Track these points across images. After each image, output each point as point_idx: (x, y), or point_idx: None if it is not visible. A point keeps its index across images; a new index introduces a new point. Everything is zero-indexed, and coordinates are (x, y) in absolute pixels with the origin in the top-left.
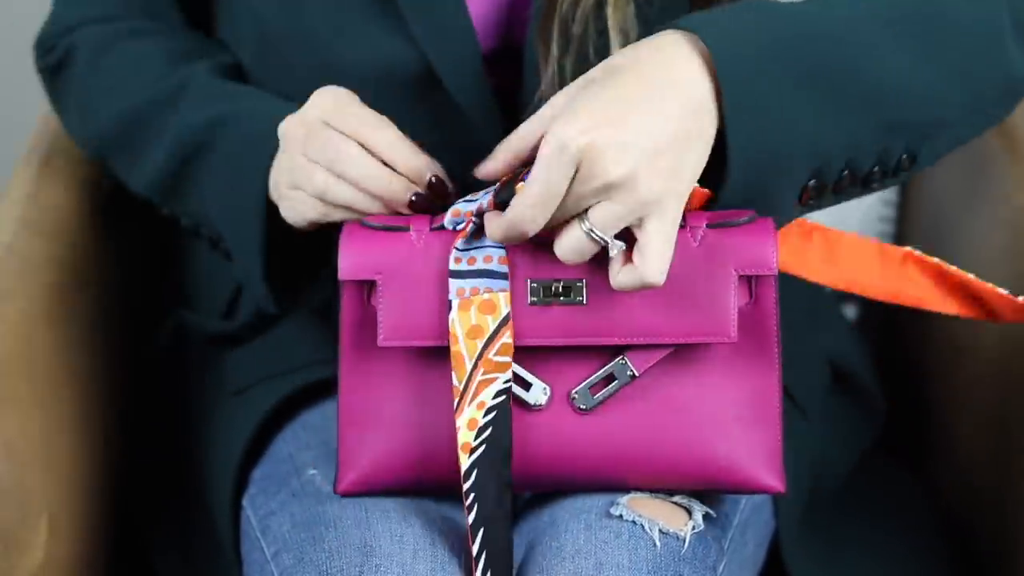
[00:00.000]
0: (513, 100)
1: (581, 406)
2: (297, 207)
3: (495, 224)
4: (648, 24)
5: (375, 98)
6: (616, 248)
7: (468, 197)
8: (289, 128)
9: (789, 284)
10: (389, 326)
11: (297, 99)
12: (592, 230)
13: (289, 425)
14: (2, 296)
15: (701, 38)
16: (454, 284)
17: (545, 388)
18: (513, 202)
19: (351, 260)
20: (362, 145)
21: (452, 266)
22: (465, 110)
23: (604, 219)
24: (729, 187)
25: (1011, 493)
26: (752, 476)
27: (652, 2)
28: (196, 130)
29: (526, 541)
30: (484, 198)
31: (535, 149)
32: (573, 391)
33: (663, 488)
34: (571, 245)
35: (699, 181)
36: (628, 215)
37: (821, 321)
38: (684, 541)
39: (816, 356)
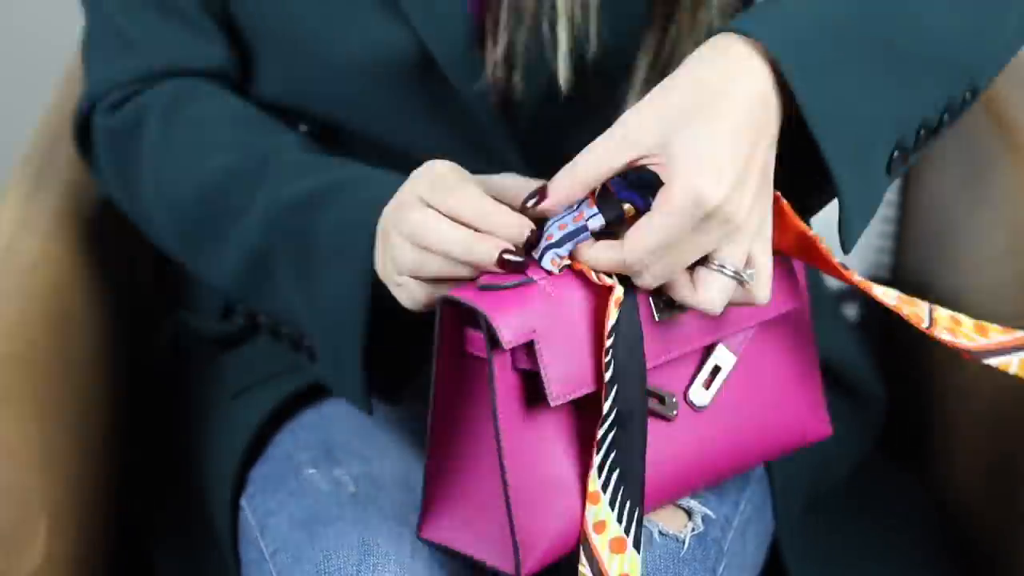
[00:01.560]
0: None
1: (699, 404)
2: (410, 290)
3: (605, 256)
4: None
5: (371, 86)
6: (749, 276)
7: (555, 232)
8: (386, 210)
9: None
10: (556, 382)
11: (300, 91)
12: (737, 272)
13: (287, 425)
14: (1, 296)
15: (753, 34)
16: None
17: (673, 396)
18: (631, 243)
19: (510, 326)
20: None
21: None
22: (461, 94)
23: (736, 257)
24: (841, 182)
25: (1011, 494)
26: (814, 427)
27: None
28: (289, 206)
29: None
30: (578, 234)
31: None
32: (688, 392)
33: (753, 467)
34: (720, 293)
35: (805, 187)
36: (749, 245)
37: (821, 322)
38: (684, 543)
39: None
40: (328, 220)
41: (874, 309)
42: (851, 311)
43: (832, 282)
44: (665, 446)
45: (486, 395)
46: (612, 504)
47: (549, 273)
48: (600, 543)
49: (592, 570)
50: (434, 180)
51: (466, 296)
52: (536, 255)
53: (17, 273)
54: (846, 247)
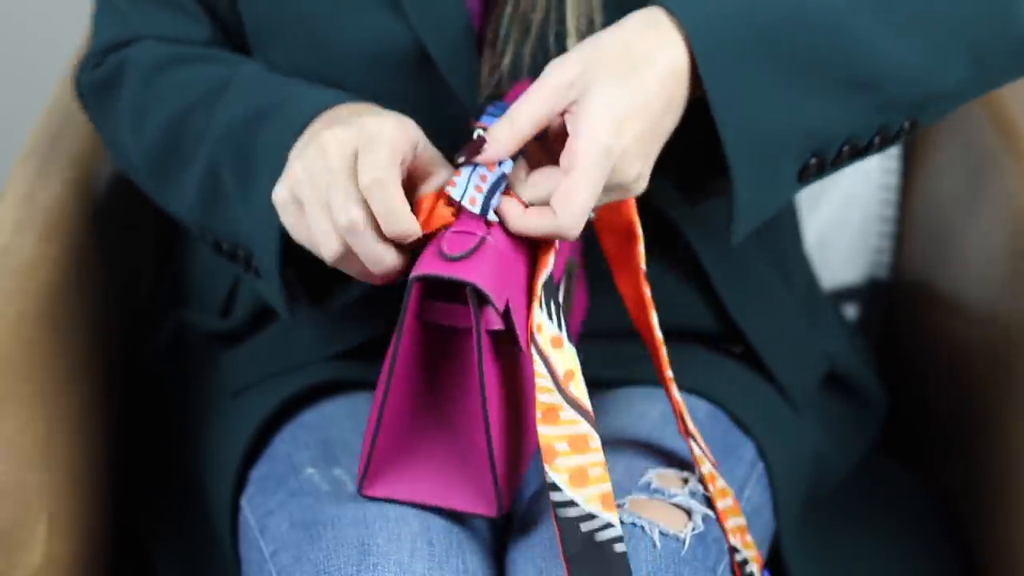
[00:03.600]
0: None
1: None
2: (289, 213)
3: (543, 224)
4: (611, 11)
5: (368, 77)
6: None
7: (480, 184)
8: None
9: (788, 286)
10: (522, 331)
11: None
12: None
13: (287, 425)
14: (1, 296)
15: (677, 15)
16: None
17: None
18: (563, 210)
19: (498, 295)
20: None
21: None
22: (456, 90)
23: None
24: (734, 172)
25: (1011, 494)
26: None
27: None
28: (238, 123)
29: (526, 540)
30: (501, 182)
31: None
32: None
33: None
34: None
35: (704, 173)
36: (608, 199)
37: (819, 324)
38: (684, 542)
39: (813, 359)
40: (266, 136)
41: (874, 309)
42: (851, 311)
43: (832, 283)
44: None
45: (454, 358)
46: (549, 315)
47: (488, 225)
48: (543, 341)
49: (545, 367)
50: (368, 140)
51: (444, 271)
52: (474, 209)
53: (16, 273)
54: (733, 237)
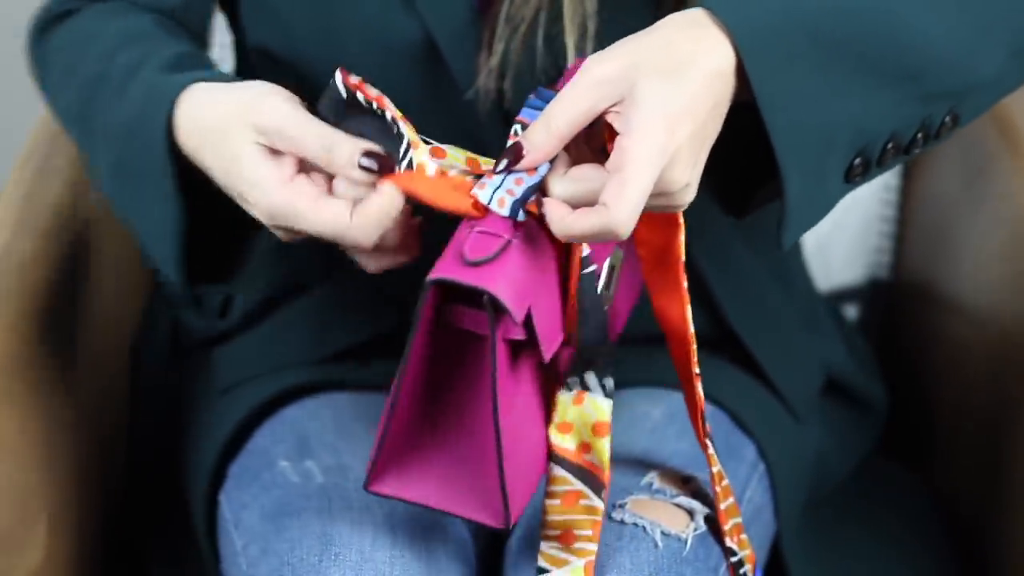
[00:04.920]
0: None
1: (605, 306)
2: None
3: (590, 224)
4: (608, 15)
5: (375, 66)
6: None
7: (513, 187)
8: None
9: (788, 287)
10: (546, 344)
11: (299, 64)
12: None
13: (268, 421)
14: (1, 296)
15: (720, 16)
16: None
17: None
18: (614, 202)
19: (517, 305)
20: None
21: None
22: (462, 83)
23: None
24: (786, 177)
25: (1011, 494)
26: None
27: None
28: (110, 132)
29: (526, 540)
30: (538, 185)
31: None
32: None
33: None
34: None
35: (748, 183)
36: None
37: (819, 326)
38: (686, 543)
39: (812, 361)
40: (139, 158)
41: (874, 310)
42: (851, 311)
43: (832, 283)
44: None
45: (469, 364)
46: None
47: (516, 226)
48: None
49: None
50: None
51: (462, 276)
52: (502, 211)
53: (16, 273)
54: (783, 245)
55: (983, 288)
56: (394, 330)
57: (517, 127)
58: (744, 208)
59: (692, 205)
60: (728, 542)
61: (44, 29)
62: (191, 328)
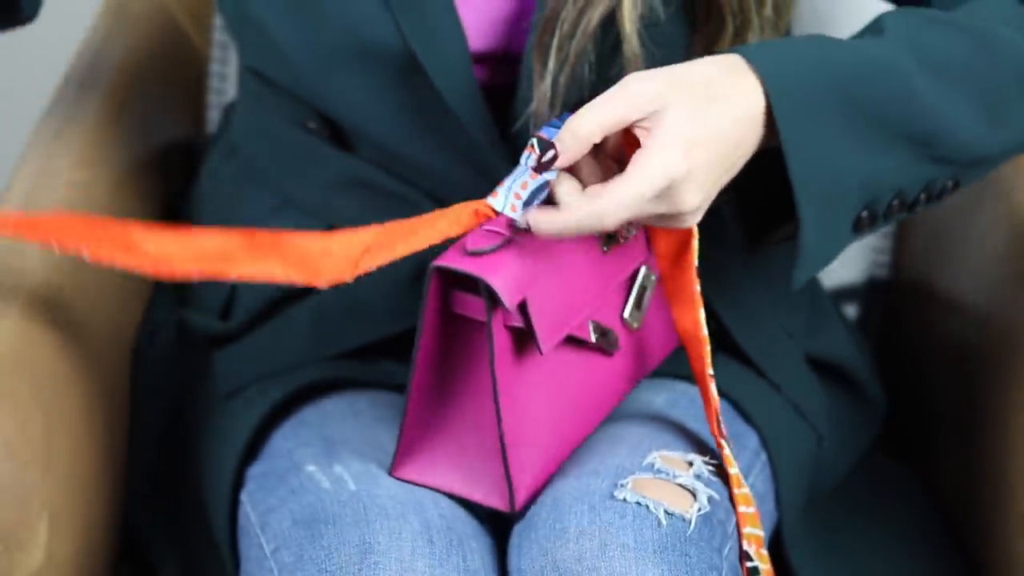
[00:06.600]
0: (505, 99)
1: (635, 325)
2: None
3: (570, 218)
4: (650, 50)
5: (359, 76)
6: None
7: (520, 191)
8: None
9: (787, 295)
10: (545, 336)
11: (288, 83)
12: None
13: (287, 422)
14: (2, 296)
15: (754, 63)
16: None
17: (614, 331)
18: (605, 193)
19: (509, 290)
20: None
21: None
22: (452, 105)
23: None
24: (803, 219)
25: (1010, 493)
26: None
27: (656, 27)
28: None
29: (528, 523)
30: (543, 189)
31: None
32: (623, 315)
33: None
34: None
35: (768, 222)
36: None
37: (820, 321)
38: (690, 522)
39: (814, 357)
40: None
41: (874, 309)
42: (851, 311)
43: (832, 283)
44: (612, 364)
45: (475, 351)
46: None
47: (517, 230)
48: None
49: None
50: None
51: (461, 264)
52: (515, 215)
53: (17, 272)
54: (793, 285)
55: (983, 288)
56: (401, 331)
57: (534, 141)
58: (759, 245)
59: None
60: (745, 545)
61: None
62: (196, 328)
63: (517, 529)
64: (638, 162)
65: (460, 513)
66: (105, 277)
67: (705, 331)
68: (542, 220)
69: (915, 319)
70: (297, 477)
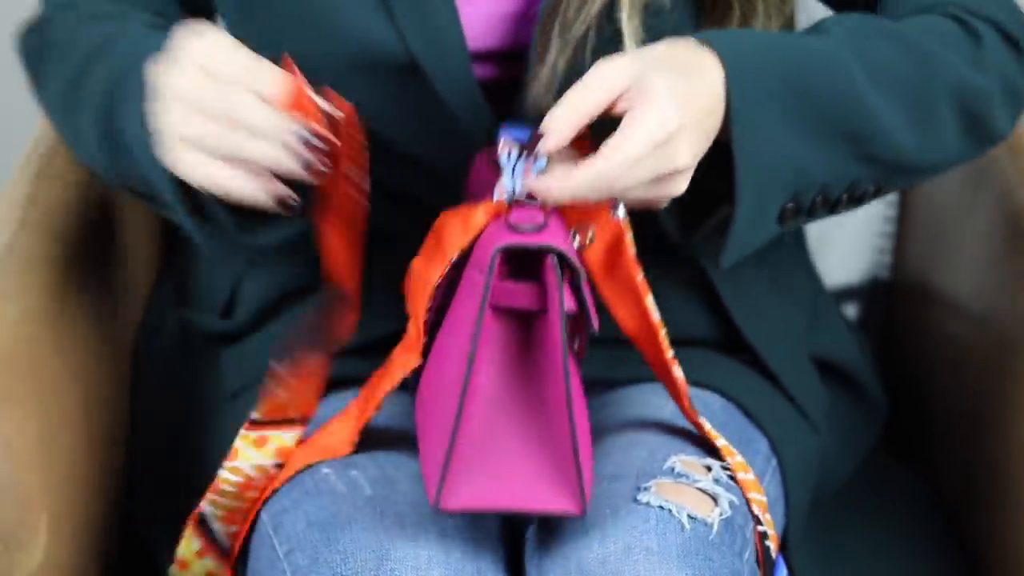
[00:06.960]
0: (511, 95)
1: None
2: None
3: (578, 179)
4: (653, 37)
5: (359, 77)
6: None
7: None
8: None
9: (789, 285)
10: (593, 309)
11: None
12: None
13: None
14: (2, 295)
15: (711, 42)
16: None
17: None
18: (607, 151)
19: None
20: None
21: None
22: (451, 105)
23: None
24: (740, 204)
25: (1011, 493)
26: None
27: (659, 15)
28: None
29: (550, 525)
30: (519, 165)
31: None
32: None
33: None
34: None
35: (709, 194)
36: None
37: (821, 322)
38: (713, 527)
39: (816, 357)
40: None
41: (874, 309)
42: (851, 311)
43: (832, 283)
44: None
45: (528, 347)
46: None
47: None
48: None
49: None
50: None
51: (526, 239)
52: (517, 195)
53: (17, 272)
54: (722, 266)
55: (983, 288)
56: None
57: (505, 142)
58: (694, 233)
59: None
60: (755, 509)
61: (32, 31)
62: (199, 327)
63: (534, 535)
64: (633, 119)
65: (475, 521)
66: (105, 277)
67: (657, 316)
68: (553, 184)
69: (915, 319)
70: (311, 478)
